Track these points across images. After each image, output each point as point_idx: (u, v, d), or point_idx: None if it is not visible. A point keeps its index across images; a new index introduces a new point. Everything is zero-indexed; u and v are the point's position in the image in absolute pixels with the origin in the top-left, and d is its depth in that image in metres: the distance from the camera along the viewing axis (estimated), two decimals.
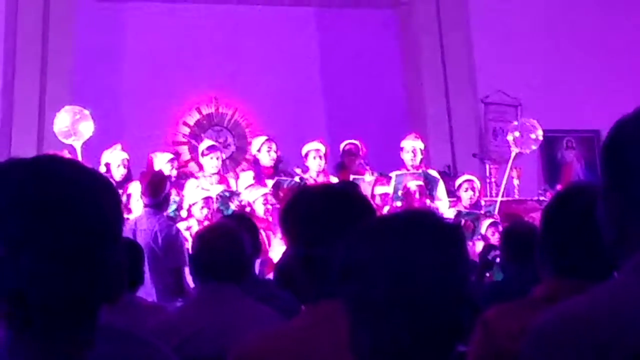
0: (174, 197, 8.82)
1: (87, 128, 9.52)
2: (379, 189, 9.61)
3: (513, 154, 10.44)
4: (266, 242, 8.59)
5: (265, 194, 8.93)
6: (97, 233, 1.65)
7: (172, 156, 9.76)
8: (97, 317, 1.71)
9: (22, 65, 11.35)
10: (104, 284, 1.69)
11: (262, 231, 8.52)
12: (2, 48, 11.29)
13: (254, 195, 8.96)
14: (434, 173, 10.13)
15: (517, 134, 10.45)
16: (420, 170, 9.88)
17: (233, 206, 8.93)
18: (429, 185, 9.90)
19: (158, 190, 7.63)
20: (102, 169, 9.20)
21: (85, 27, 11.81)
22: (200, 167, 9.87)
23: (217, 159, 9.59)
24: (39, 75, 11.36)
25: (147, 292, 6.88)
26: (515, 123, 10.78)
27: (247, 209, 8.87)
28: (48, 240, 1.61)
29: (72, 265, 1.63)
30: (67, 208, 1.62)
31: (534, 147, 10.57)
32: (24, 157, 1.70)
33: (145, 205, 7.67)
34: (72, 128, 9.48)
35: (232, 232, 4.31)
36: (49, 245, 1.61)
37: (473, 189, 9.87)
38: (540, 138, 10.47)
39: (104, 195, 1.69)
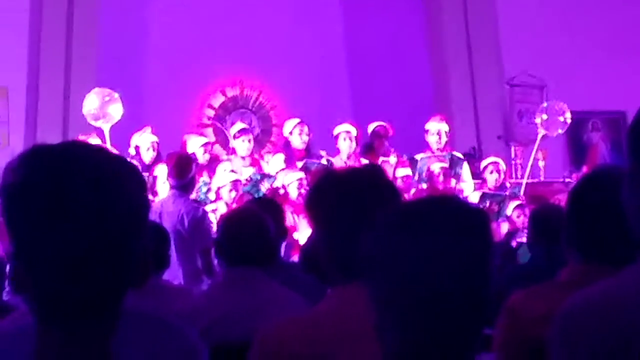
0: (205, 179, 8.86)
1: (116, 111, 9.54)
2: (401, 171, 9.59)
3: (540, 136, 10.39)
4: (297, 225, 8.62)
5: (300, 178, 8.92)
6: (122, 220, 1.66)
7: (206, 140, 9.81)
8: (122, 302, 1.72)
9: (47, 50, 11.37)
10: (130, 270, 1.69)
11: (293, 214, 8.57)
12: (28, 34, 11.31)
13: (290, 179, 8.96)
14: (458, 155, 10.11)
15: (544, 116, 10.39)
16: (445, 153, 9.85)
17: (264, 189, 8.94)
18: (454, 168, 9.87)
19: (184, 172, 7.65)
20: (132, 152, 9.23)
21: (109, 11, 11.82)
22: (227, 150, 9.87)
23: (249, 141, 9.61)
24: (64, 59, 11.39)
25: (174, 274, 6.90)
26: (545, 104, 10.71)
27: (281, 191, 8.89)
28: (72, 228, 1.61)
29: (97, 251, 1.63)
30: (92, 196, 1.63)
31: (560, 131, 10.51)
32: (50, 144, 1.70)
33: (172, 187, 7.69)
34: (101, 110, 9.50)
35: (256, 216, 4.32)
36: (74, 232, 1.61)
37: (498, 171, 9.85)
38: (568, 121, 10.41)
39: (129, 182, 1.70)
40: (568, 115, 10.36)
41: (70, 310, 1.66)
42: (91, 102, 9.57)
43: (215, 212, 8.32)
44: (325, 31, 12.76)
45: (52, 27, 11.41)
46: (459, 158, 9.99)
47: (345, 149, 9.65)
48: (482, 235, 1.79)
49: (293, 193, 8.85)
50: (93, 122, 9.52)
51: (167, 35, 12.31)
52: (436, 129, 9.91)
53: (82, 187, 1.62)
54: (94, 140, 8.79)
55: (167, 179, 7.84)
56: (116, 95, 9.61)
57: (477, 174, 10.08)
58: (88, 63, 11.38)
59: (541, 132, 10.34)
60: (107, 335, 1.69)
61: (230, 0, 12.46)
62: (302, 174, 8.97)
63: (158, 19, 12.39)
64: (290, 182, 8.94)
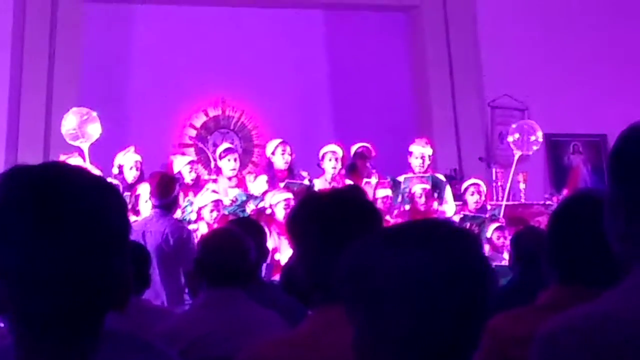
0: (191, 199, 8.84)
1: (94, 130, 9.52)
2: (381, 192, 9.60)
3: (516, 157, 10.44)
4: (279, 246, 8.62)
5: (287, 199, 8.92)
6: (103, 242, 1.65)
7: (191, 159, 9.81)
8: (102, 324, 1.71)
9: (29, 68, 11.37)
10: (111, 292, 1.69)
11: (279, 235, 8.57)
12: (9, 51, 11.29)
13: (277, 199, 8.95)
14: (440, 177, 10.13)
15: (517, 135, 10.47)
16: (427, 175, 9.87)
17: (249, 210, 8.93)
18: (436, 189, 9.89)
19: (168, 191, 7.63)
20: (115, 171, 9.22)
21: (92, 29, 11.83)
22: (209, 170, 9.86)
23: (235, 160, 9.61)
24: (45, 77, 11.38)
25: (157, 294, 6.88)
26: (514, 126, 10.78)
27: (268, 211, 8.90)
28: (52, 248, 1.61)
29: (77, 274, 1.63)
30: (72, 218, 1.62)
31: (535, 148, 10.57)
32: (30, 165, 1.69)
33: (154, 207, 7.66)
34: (79, 130, 9.48)
35: (236, 236, 4.31)
36: (54, 254, 1.61)
37: (479, 192, 9.87)
38: (540, 139, 10.49)
39: (110, 202, 1.69)
40: (540, 134, 10.43)
41: (51, 330, 1.65)
42: (69, 122, 9.55)
43: (196, 232, 8.30)
44: (307, 52, 12.78)
45: (34, 45, 11.40)
46: (441, 180, 10.02)
47: (330, 170, 9.67)
48: (477, 256, 1.77)
49: (279, 213, 8.84)
50: (72, 142, 9.51)
51: (150, 55, 12.31)
52: (420, 152, 9.93)
53: (62, 206, 1.62)
54: (76, 160, 8.78)
55: (150, 198, 7.82)
56: (94, 114, 9.60)
57: (458, 196, 10.10)
58: (70, 82, 11.37)
59: (517, 152, 10.39)
60: (87, 355, 1.69)
61: (213, 20, 12.48)
62: (289, 195, 8.97)
63: (141, 38, 12.39)
64: (278, 202, 8.93)
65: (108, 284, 1.67)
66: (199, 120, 12.73)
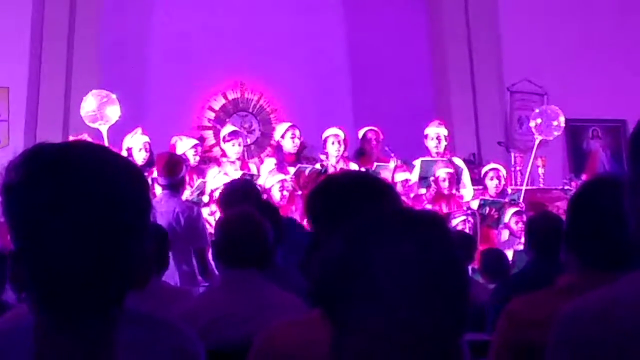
0: (198, 182, 8.85)
1: (113, 112, 9.53)
2: (399, 176, 9.59)
3: (537, 142, 10.40)
4: None
5: (282, 180, 8.90)
6: (123, 222, 1.66)
7: (196, 142, 9.74)
8: (123, 303, 1.72)
9: (48, 50, 11.39)
10: (132, 271, 1.69)
11: None
12: (29, 33, 11.31)
13: (271, 181, 8.94)
14: (458, 161, 10.11)
15: (539, 120, 10.42)
16: (445, 158, 9.86)
17: None
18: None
19: (175, 171, 7.65)
20: (124, 154, 9.21)
21: (111, 12, 11.84)
22: (224, 153, 9.88)
23: (239, 145, 9.56)
24: (65, 61, 11.40)
25: (170, 274, 6.91)
26: (537, 110, 10.74)
27: (264, 196, 8.88)
28: (74, 227, 1.61)
29: (99, 253, 1.63)
30: (92, 198, 1.63)
31: (556, 134, 10.53)
32: (52, 144, 1.70)
33: (163, 187, 7.68)
34: (98, 112, 9.50)
35: (253, 219, 4.31)
36: (76, 231, 1.61)
37: (499, 177, 9.85)
38: (563, 125, 10.45)
39: (131, 181, 1.70)
40: (562, 119, 10.38)
41: (72, 309, 1.66)
42: (89, 104, 9.57)
43: (214, 214, 8.31)
44: (326, 35, 12.76)
45: (53, 27, 11.42)
46: (458, 165, 10.00)
47: (333, 153, 9.66)
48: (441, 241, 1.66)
49: (276, 195, 8.84)
50: (91, 124, 9.52)
51: (169, 37, 12.31)
52: (435, 133, 9.92)
53: (84, 185, 1.62)
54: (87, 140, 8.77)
55: (158, 179, 7.83)
56: (113, 96, 9.61)
57: (477, 180, 10.09)
58: (89, 64, 11.39)
59: (538, 137, 10.36)
60: (109, 334, 1.70)
61: (231, 3, 12.47)
62: (284, 176, 8.95)
63: (160, 21, 12.40)
64: (272, 184, 8.92)
65: (128, 264, 1.68)
66: (218, 103, 12.73)
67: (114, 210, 1.64)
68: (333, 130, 9.78)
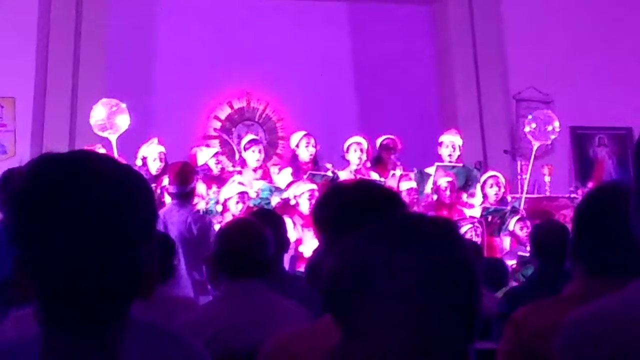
0: (215, 190, 8.88)
1: (123, 121, 9.56)
2: (404, 185, 9.59)
3: (535, 147, 10.41)
4: (302, 237, 8.62)
5: (312, 190, 8.91)
6: (129, 232, 1.66)
7: (217, 150, 9.82)
8: (128, 313, 1.71)
9: (54, 59, 11.41)
10: (136, 281, 1.69)
11: (303, 227, 8.57)
12: (35, 42, 11.34)
13: (301, 190, 8.94)
14: (473, 169, 10.15)
15: (533, 125, 10.44)
16: (460, 165, 9.89)
17: (274, 202, 8.93)
18: (468, 181, 9.90)
19: (187, 180, 7.67)
20: (139, 163, 9.25)
21: (118, 21, 11.86)
22: (233, 162, 9.89)
23: (260, 152, 9.64)
24: (71, 69, 11.41)
25: (184, 284, 6.92)
26: (530, 117, 10.76)
27: (292, 202, 8.89)
28: (80, 236, 1.61)
29: (105, 259, 1.63)
30: (98, 208, 1.63)
31: (552, 137, 10.54)
32: (59, 153, 1.70)
33: (173, 196, 7.70)
34: (108, 121, 9.53)
35: (253, 228, 4.29)
36: (81, 240, 1.61)
37: (498, 184, 9.84)
38: (557, 129, 10.46)
39: (137, 191, 1.70)
40: (557, 123, 10.39)
41: (77, 318, 1.66)
42: (98, 113, 9.59)
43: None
44: (332, 44, 12.77)
45: (59, 37, 11.44)
46: (473, 172, 10.03)
47: (355, 161, 9.67)
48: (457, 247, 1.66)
49: (304, 205, 8.83)
50: (100, 133, 9.55)
51: (175, 47, 12.33)
52: (450, 140, 9.96)
53: (91, 195, 1.62)
54: (100, 151, 8.80)
55: (168, 187, 7.84)
56: (123, 105, 9.64)
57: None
58: (95, 73, 11.41)
59: (535, 143, 10.37)
60: (116, 344, 1.69)
61: (238, 12, 12.49)
62: (313, 186, 8.96)
63: (166, 30, 12.42)
64: (302, 193, 8.92)
65: (134, 273, 1.68)
66: (224, 112, 12.74)
67: (120, 220, 1.64)
68: (356, 139, 9.82)
